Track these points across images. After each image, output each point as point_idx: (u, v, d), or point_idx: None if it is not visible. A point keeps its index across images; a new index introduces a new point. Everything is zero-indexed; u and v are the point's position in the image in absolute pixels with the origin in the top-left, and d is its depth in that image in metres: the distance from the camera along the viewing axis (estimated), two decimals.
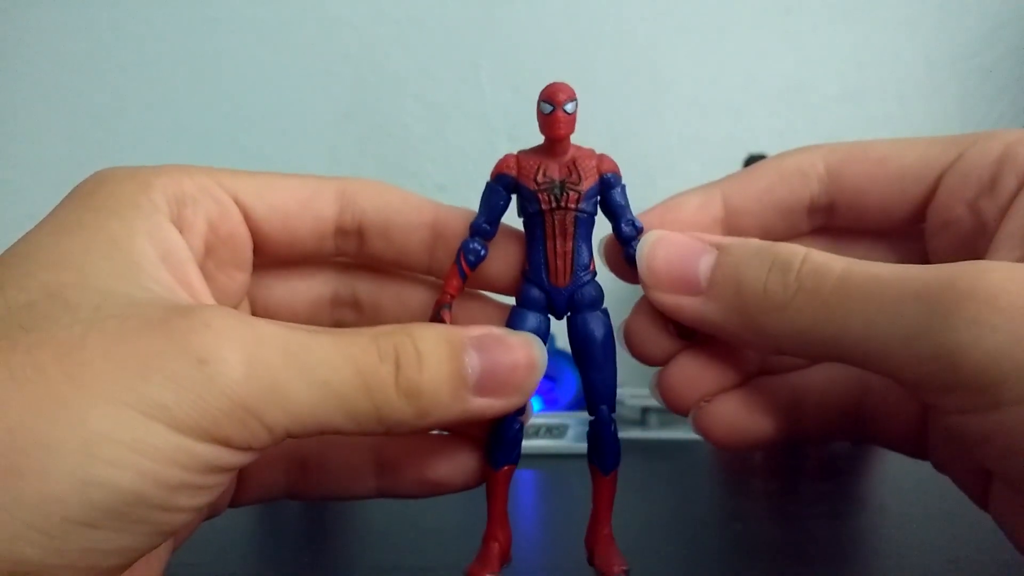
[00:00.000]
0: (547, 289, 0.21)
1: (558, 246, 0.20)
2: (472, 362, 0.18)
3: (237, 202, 0.20)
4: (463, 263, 0.21)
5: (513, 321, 0.21)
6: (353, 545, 0.32)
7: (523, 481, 0.39)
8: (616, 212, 0.21)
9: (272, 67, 0.67)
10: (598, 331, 0.21)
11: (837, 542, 0.30)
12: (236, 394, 0.15)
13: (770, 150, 0.57)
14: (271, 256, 0.22)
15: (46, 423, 0.14)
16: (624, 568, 0.21)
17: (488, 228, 0.21)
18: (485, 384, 0.18)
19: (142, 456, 0.14)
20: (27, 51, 0.69)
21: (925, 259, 0.22)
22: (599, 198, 0.21)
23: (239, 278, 0.21)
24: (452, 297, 0.21)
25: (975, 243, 0.20)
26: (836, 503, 0.34)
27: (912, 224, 0.21)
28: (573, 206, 0.20)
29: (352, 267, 0.23)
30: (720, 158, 0.64)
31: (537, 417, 0.51)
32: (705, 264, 0.19)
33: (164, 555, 0.20)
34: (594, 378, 0.21)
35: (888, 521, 0.32)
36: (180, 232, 0.19)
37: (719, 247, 0.19)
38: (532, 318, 0.21)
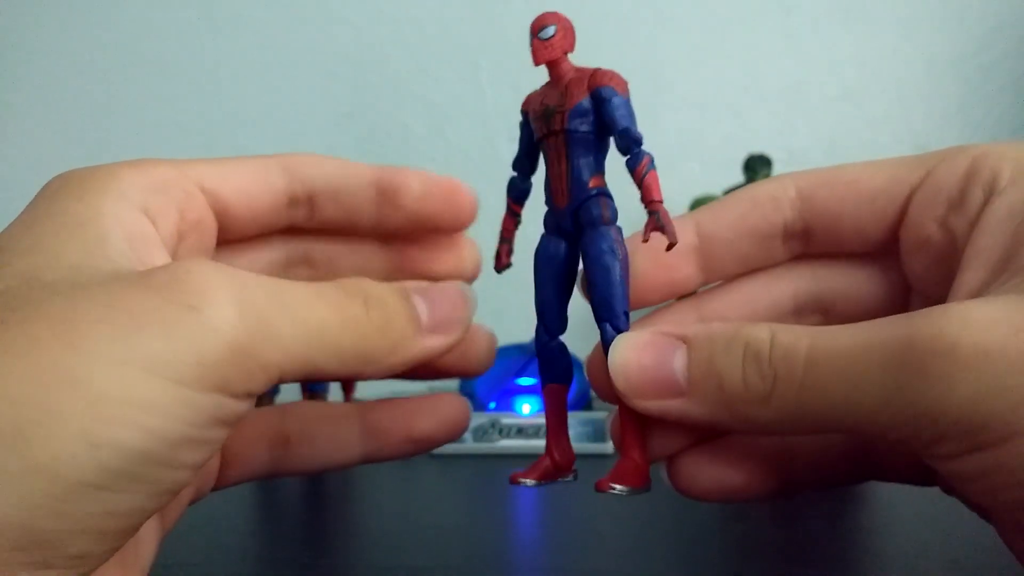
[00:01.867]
0: (554, 211, 0.21)
1: (555, 168, 0.21)
2: (420, 306, 0.20)
3: (203, 188, 0.21)
4: (509, 200, 0.23)
5: (538, 245, 0.22)
6: (353, 545, 0.32)
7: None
8: (607, 126, 0.21)
9: (272, 67, 0.67)
10: (592, 249, 0.20)
11: (837, 542, 0.30)
12: (231, 336, 0.15)
13: (770, 150, 0.57)
14: (234, 233, 0.23)
15: (48, 390, 0.14)
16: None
17: (525, 161, 0.23)
18: (432, 323, 0.20)
19: (146, 413, 0.14)
20: (27, 51, 0.69)
21: (904, 279, 0.22)
22: (597, 114, 0.21)
23: None
24: (510, 233, 0.23)
25: (948, 260, 0.20)
26: (836, 503, 0.34)
27: (887, 245, 0.21)
28: (559, 128, 0.21)
29: (302, 232, 0.24)
30: (720, 158, 0.64)
31: (537, 417, 0.51)
32: (679, 363, 0.19)
33: (154, 540, 0.20)
34: (591, 296, 0.21)
35: (888, 521, 0.32)
36: (152, 220, 0.19)
37: (686, 341, 0.19)
38: (546, 240, 0.22)
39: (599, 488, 0.20)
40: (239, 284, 0.16)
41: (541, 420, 0.50)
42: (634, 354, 0.19)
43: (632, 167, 0.20)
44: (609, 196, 0.21)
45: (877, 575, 0.28)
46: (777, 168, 0.56)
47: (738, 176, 0.56)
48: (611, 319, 0.20)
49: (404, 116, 0.66)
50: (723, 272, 0.22)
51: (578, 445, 0.49)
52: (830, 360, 0.16)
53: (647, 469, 0.20)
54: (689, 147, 0.65)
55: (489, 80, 0.65)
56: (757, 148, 0.58)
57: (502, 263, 0.23)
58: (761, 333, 0.18)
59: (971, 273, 0.18)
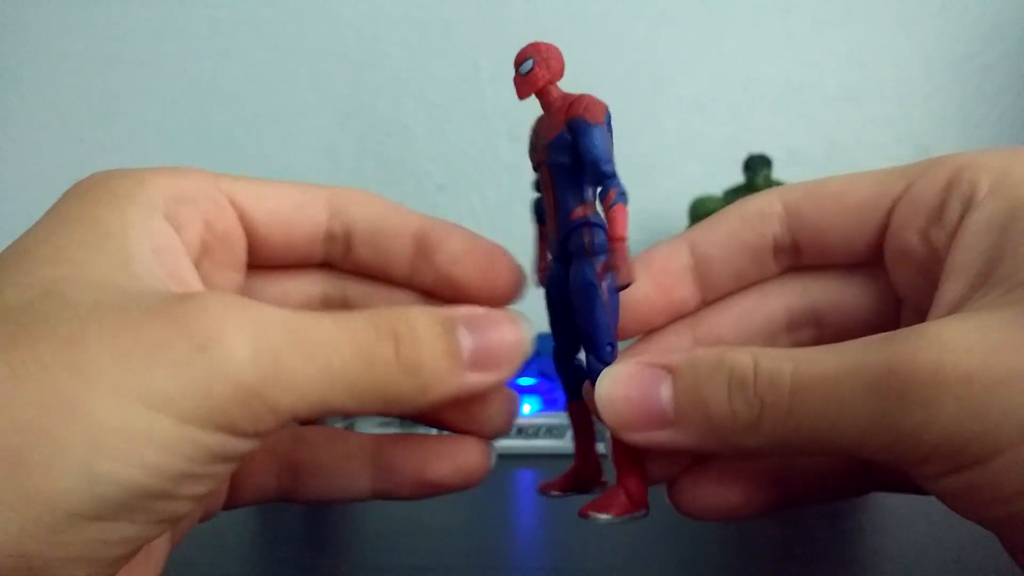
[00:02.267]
0: (550, 238, 0.22)
1: (547, 198, 0.21)
2: (464, 339, 0.18)
3: (234, 203, 0.21)
4: (536, 222, 0.23)
5: (548, 270, 0.22)
6: (353, 545, 0.32)
7: (523, 481, 0.39)
8: (581, 159, 0.20)
9: (272, 67, 0.67)
10: (573, 281, 0.21)
11: (837, 542, 0.30)
12: (240, 378, 0.15)
13: (770, 150, 0.57)
14: (265, 258, 0.22)
15: (51, 418, 0.14)
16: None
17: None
18: (477, 360, 0.18)
19: (148, 449, 0.14)
20: (27, 51, 0.69)
21: (894, 289, 0.22)
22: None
23: (234, 278, 0.22)
24: (543, 253, 0.23)
25: (931, 272, 0.20)
26: (836, 503, 0.34)
27: (874, 256, 0.21)
28: (542, 161, 0.21)
29: (341, 271, 0.23)
30: (720, 158, 0.64)
31: (537, 417, 0.51)
32: (665, 394, 0.18)
33: (164, 551, 0.20)
34: (576, 327, 0.21)
35: (888, 520, 0.32)
36: (177, 229, 0.19)
37: (670, 370, 0.19)
38: (553, 266, 0.22)
39: (581, 515, 0.20)
40: (256, 323, 0.15)
41: (541, 420, 0.50)
42: (620, 387, 0.19)
43: (600, 199, 0.20)
44: (595, 225, 0.20)
45: (877, 575, 0.28)
46: (777, 168, 0.56)
47: (738, 176, 0.56)
48: (594, 351, 0.20)
49: (404, 116, 0.66)
50: (720, 289, 0.22)
51: None
52: (814, 386, 0.17)
53: (642, 496, 0.20)
54: (689, 147, 0.65)
55: (489, 80, 0.65)
56: (757, 148, 0.58)
57: (541, 281, 0.23)
58: (744, 359, 0.18)
59: (950, 286, 0.18)
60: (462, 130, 0.65)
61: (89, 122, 0.69)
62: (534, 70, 0.21)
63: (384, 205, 0.22)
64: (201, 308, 0.15)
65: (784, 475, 0.21)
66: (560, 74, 0.21)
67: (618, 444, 0.20)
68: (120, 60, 0.68)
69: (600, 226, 0.20)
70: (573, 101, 0.20)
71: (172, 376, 0.14)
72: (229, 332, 0.15)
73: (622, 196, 0.20)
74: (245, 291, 0.22)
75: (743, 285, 0.23)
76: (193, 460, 0.15)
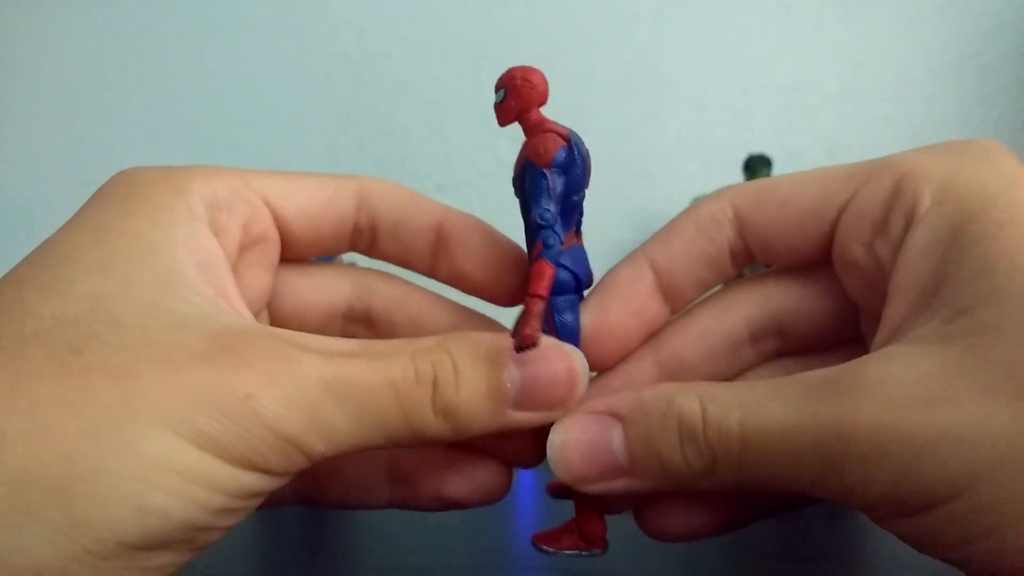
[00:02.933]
0: None
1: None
2: (512, 377, 0.18)
3: (267, 203, 0.21)
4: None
5: None
6: (353, 545, 0.32)
7: (523, 481, 0.39)
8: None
9: (272, 67, 0.67)
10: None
11: (837, 542, 0.30)
12: (278, 427, 0.16)
13: (770, 150, 0.57)
14: (295, 253, 0.22)
15: (102, 449, 0.14)
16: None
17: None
18: (525, 399, 0.18)
19: (194, 484, 0.15)
20: (27, 51, 0.69)
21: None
22: None
23: (266, 279, 0.22)
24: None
25: (879, 283, 0.19)
26: (836, 503, 0.34)
27: (824, 261, 0.21)
28: (516, 194, 0.20)
29: (369, 277, 0.23)
30: (720, 158, 0.64)
31: None
32: (617, 443, 0.18)
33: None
34: None
35: None
36: (216, 236, 0.19)
37: (620, 418, 0.19)
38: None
39: (533, 543, 0.21)
40: (295, 376, 0.16)
41: None
42: (571, 441, 0.19)
43: (527, 250, 0.20)
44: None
45: (876, 574, 0.28)
46: (777, 167, 0.56)
47: (738, 176, 0.56)
48: None
49: (404, 116, 0.66)
50: (686, 300, 0.22)
51: None
52: (763, 439, 0.17)
53: (595, 534, 0.20)
54: (689, 147, 0.65)
55: (489, 80, 0.65)
56: (757, 148, 0.58)
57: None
58: (692, 405, 0.18)
59: (895, 307, 0.18)
60: (462, 130, 0.65)
61: (89, 122, 0.69)
62: (506, 101, 0.20)
63: (407, 197, 0.22)
64: (244, 361, 0.16)
65: (746, 495, 0.21)
66: (540, 100, 0.20)
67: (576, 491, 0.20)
68: (120, 60, 0.68)
69: (563, 267, 0.20)
70: (531, 140, 0.20)
71: (217, 419, 0.15)
72: (270, 387, 0.16)
73: (548, 251, 0.19)
74: (276, 289, 0.22)
75: (707, 291, 0.22)
76: (233, 496, 0.16)
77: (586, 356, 0.20)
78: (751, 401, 0.17)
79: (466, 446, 0.21)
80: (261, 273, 0.21)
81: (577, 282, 0.20)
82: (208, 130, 0.68)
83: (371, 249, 0.22)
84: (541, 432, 0.19)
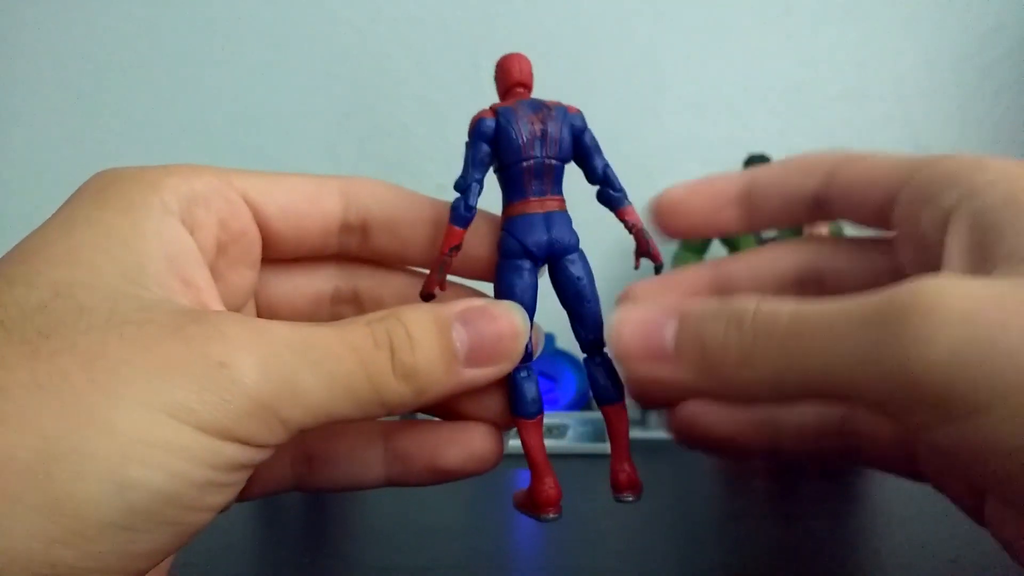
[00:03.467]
0: None
1: None
2: (460, 336, 0.19)
3: (247, 200, 0.21)
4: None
5: None
6: (353, 544, 0.32)
7: (523, 480, 0.39)
8: None
9: (272, 67, 0.67)
10: None
11: (837, 542, 0.30)
12: (255, 393, 0.16)
13: (770, 150, 0.57)
14: (279, 253, 0.22)
15: (78, 429, 0.14)
16: (630, 497, 0.22)
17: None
18: (474, 356, 0.19)
19: (173, 456, 0.15)
20: (27, 51, 0.69)
21: (898, 266, 0.23)
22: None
23: (249, 276, 0.22)
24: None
25: (929, 254, 0.20)
26: (836, 503, 0.34)
27: (884, 228, 0.23)
28: None
29: (353, 263, 0.24)
30: (720, 158, 0.64)
31: None
32: (670, 332, 0.19)
33: (169, 560, 0.20)
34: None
35: (888, 520, 0.32)
36: (191, 231, 0.19)
37: (680, 313, 0.20)
38: None
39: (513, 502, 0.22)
40: (267, 344, 0.16)
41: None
42: (628, 327, 0.20)
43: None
44: (503, 229, 0.22)
45: (875, 574, 0.28)
46: None
47: None
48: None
49: (404, 116, 0.66)
50: (760, 222, 0.25)
51: (578, 445, 0.49)
52: (813, 320, 0.17)
53: (544, 500, 0.21)
54: (689, 147, 0.65)
55: (489, 80, 0.65)
56: (757, 148, 0.58)
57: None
58: (748, 303, 0.18)
59: (953, 264, 0.19)
60: (462, 130, 0.65)
61: (89, 122, 0.69)
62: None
63: (398, 193, 0.23)
64: (217, 330, 0.16)
65: (771, 420, 0.23)
66: (507, 83, 0.23)
67: (531, 451, 0.21)
68: (120, 60, 0.68)
69: (504, 228, 0.21)
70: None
71: (194, 390, 0.15)
72: (243, 353, 0.16)
73: (453, 214, 0.21)
74: (259, 286, 0.23)
75: (776, 225, 0.25)
76: (214, 468, 0.16)
77: (659, 220, 0.25)
78: (809, 301, 0.18)
79: (453, 417, 0.22)
80: (243, 270, 0.21)
81: (523, 248, 0.21)
82: (208, 130, 0.68)
83: (362, 247, 0.23)
84: (502, 387, 0.21)
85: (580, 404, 0.54)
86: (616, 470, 0.22)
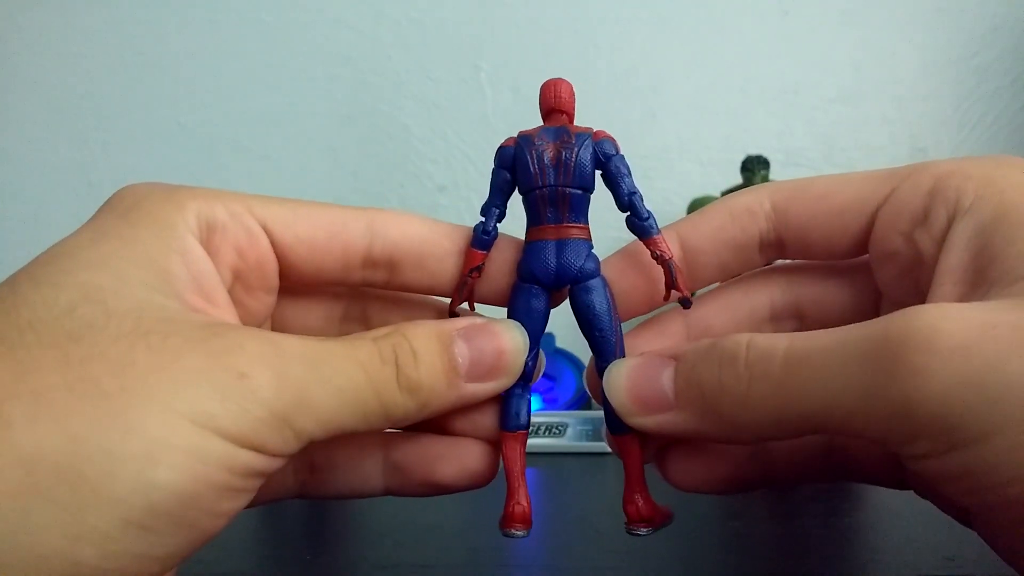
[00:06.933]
0: None
1: None
2: (462, 351, 0.20)
3: (266, 229, 0.21)
4: None
5: None
6: (353, 543, 0.32)
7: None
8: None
9: (273, 68, 0.67)
10: None
11: (835, 540, 0.31)
12: (272, 405, 0.17)
13: (768, 151, 0.57)
14: (297, 281, 0.22)
15: (107, 431, 0.15)
16: (642, 531, 0.22)
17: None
18: (475, 371, 0.20)
19: (196, 460, 0.15)
20: (27, 51, 0.69)
21: (874, 287, 0.22)
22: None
23: (266, 300, 0.22)
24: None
25: (916, 273, 0.20)
26: (834, 501, 0.34)
27: (856, 255, 0.22)
28: None
29: (366, 292, 0.24)
30: (718, 159, 0.64)
31: (537, 416, 0.51)
32: (667, 378, 0.20)
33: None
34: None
35: (886, 519, 0.33)
36: (211, 257, 0.20)
37: (676, 357, 0.20)
38: None
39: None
40: (282, 358, 0.17)
41: (541, 419, 0.50)
42: (627, 378, 0.20)
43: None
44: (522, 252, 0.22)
45: (873, 572, 0.28)
46: (775, 169, 0.57)
47: (736, 177, 0.56)
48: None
49: (404, 117, 0.67)
50: (705, 280, 0.23)
51: (577, 444, 0.48)
52: (807, 358, 0.17)
53: (514, 517, 0.22)
54: (687, 148, 0.65)
55: (489, 81, 0.66)
56: (755, 149, 0.58)
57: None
58: (738, 339, 0.18)
59: (946, 288, 0.19)
60: (462, 131, 0.66)
61: (90, 123, 0.69)
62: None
63: (426, 225, 0.22)
64: (237, 343, 0.17)
65: (764, 451, 0.22)
66: (544, 107, 0.22)
67: (507, 463, 0.22)
68: (122, 62, 0.68)
69: (525, 259, 0.22)
70: None
71: (216, 399, 0.16)
72: (261, 366, 0.17)
73: (473, 236, 0.22)
74: (276, 312, 0.23)
75: (727, 277, 0.23)
76: (233, 473, 0.16)
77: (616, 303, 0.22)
78: (799, 335, 0.17)
79: (450, 433, 0.22)
80: (261, 295, 0.22)
81: (531, 273, 0.21)
82: (210, 131, 0.68)
83: (388, 281, 0.22)
84: (495, 406, 0.22)
85: (580, 403, 0.54)
86: (628, 500, 0.22)
